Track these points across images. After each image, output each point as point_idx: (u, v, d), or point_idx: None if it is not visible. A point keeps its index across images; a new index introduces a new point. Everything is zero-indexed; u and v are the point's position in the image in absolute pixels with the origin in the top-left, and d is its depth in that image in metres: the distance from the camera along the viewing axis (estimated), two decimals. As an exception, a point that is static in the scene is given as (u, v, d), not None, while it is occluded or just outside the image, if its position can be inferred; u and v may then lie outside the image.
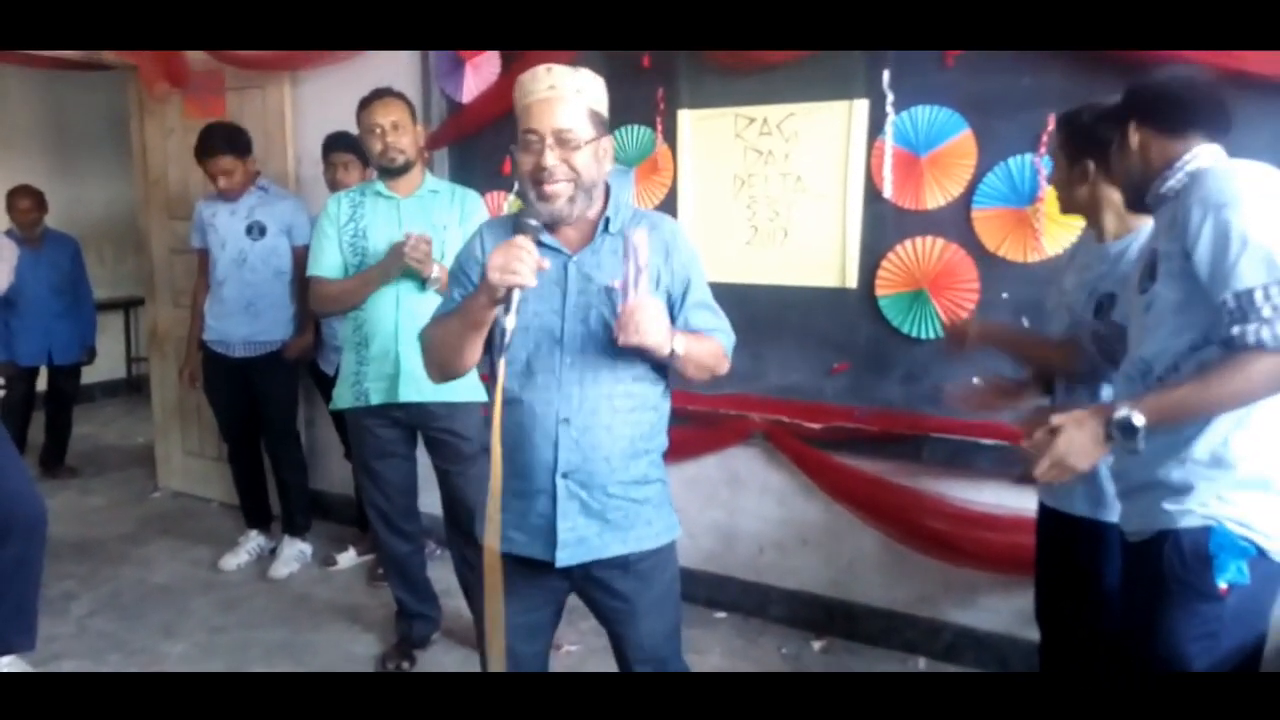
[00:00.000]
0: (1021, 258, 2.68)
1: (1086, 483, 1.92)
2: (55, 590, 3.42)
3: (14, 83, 6.08)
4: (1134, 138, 1.64)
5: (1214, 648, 1.51)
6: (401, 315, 2.68)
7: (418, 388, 2.63)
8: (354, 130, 2.85)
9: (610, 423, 1.70)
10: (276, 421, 3.73)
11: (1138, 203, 1.70)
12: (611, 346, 1.66)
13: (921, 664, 2.95)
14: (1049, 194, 2.48)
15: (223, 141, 3.42)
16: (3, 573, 2.66)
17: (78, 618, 3.29)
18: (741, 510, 3.24)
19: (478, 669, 1.91)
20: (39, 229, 4.75)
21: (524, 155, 1.63)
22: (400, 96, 2.74)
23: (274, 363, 3.63)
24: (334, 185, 3.40)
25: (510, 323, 1.57)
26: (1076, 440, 1.52)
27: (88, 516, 4.34)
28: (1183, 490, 1.54)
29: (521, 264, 1.51)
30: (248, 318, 3.57)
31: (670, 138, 3.17)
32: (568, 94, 1.60)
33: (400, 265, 2.58)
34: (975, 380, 2.81)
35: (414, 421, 2.78)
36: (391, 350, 2.69)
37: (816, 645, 3.07)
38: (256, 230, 3.54)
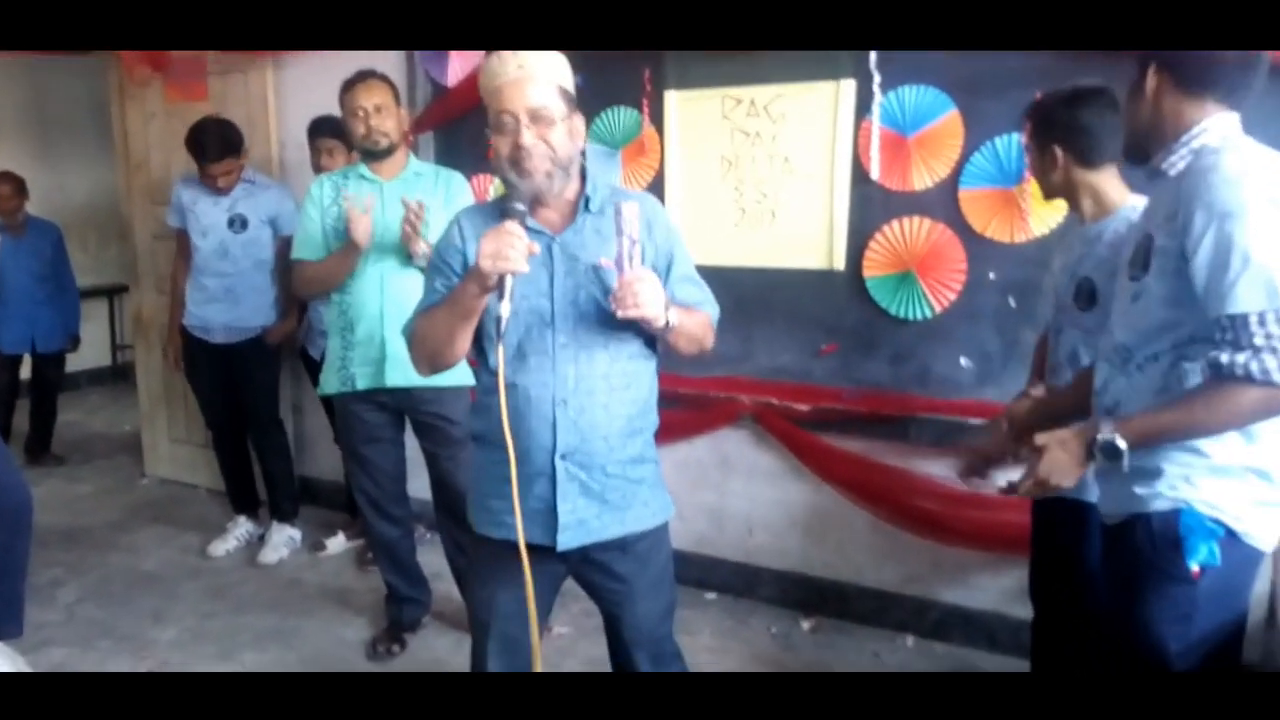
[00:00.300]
0: (1009, 238, 2.69)
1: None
2: (43, 578, 3.41)
3: (-7, 68, 6.02)
4: (1151, 80, 1.56)
5: (1188, 630, 1.51)
6: (386, 300, 2.67)
7: (404, 372, 2.61)
8: (339, 114, 2.82)
9: (607, 401, 1.70)
10: (259, 408, 3.71)
11: (1137, 154, 1.64)
12: (604, 325, 1.66)
13: (910, 642, 2.98)
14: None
15: (223, 143, 3.39)
16: (-11, 561, 2.65)
17: (66, 605, 3.28)
18: (731, 492, 3.25)
19: (468, 653, 1.91)
20: (20, 216, 4.73)
21: (500, 138, 1.63)
22: (384, 79, 2.71)
23: (255, 348, 3.62)
24: (320, 170, 3.37)
25: (505, 309, 1.56)
26: (1060, 460, 1.57)
27: (75, 504, 4.33)
28: (1153, 474, 1.54)
29: (514, 250, 1.51)
30: (228, 304, 3.56)
31: (657, 120, 3.15)
32: (537, 73, 1.61)
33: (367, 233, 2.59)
34: (962, 361, 2.83)
35: (401, 406, 2.78)
36: (377, 334, 2.68)
37: (806, 625, 3.09)
38: (239, 223, 3.52)
